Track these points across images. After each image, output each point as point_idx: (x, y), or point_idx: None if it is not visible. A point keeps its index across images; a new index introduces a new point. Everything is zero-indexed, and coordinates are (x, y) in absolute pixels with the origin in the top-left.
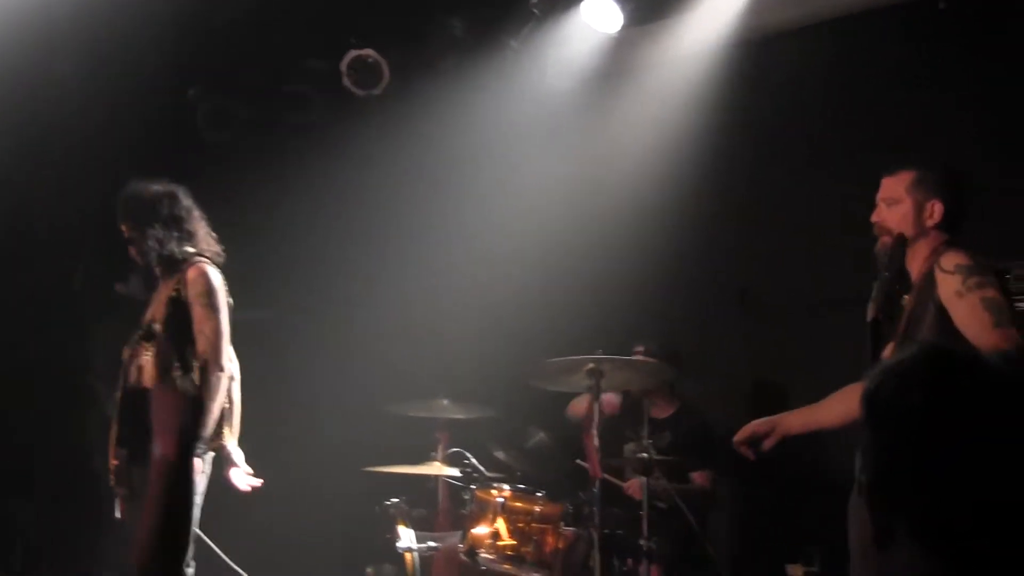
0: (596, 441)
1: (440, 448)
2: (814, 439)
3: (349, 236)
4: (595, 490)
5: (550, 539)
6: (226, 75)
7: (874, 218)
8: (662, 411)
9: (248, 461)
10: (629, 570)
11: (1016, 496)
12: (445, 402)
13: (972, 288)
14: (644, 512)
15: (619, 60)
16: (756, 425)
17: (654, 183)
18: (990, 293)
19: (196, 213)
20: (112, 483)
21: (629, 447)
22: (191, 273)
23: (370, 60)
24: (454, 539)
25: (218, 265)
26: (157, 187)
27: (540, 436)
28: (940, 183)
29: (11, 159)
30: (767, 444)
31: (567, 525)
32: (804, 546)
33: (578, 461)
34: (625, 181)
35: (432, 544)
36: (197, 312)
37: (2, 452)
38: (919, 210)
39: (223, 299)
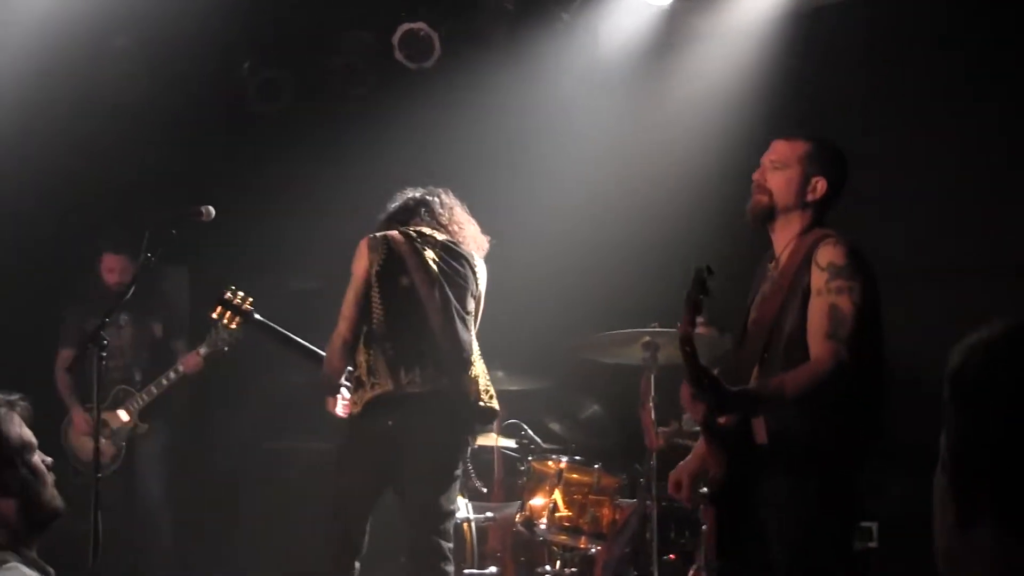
0: (652, 414)
1: (495, 420)
2: None
3: None
4: (652, 462)
5: (606, 511)
6: (277, 48)
7: (756, 176)
8: None
9: (307, 430)
10: (686, 543)
11: None
12: (500, 374)
13: (831, 291)
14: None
15: (670, 32)
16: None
17: (706, 153)
18: (843, 301)
19: None
20: None
21: (686, 418)
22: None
23: (422, 33)
24: (510, 510)
25: None
26: None
27: (594, 408)
28: (830, 162)
29: (69, 132)
30: (685, 495)
31: (623, 497)
32: (862, 521)
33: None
34: (677, 151)
35: (489, 515)
36: None
37: None
38: (804, 182)
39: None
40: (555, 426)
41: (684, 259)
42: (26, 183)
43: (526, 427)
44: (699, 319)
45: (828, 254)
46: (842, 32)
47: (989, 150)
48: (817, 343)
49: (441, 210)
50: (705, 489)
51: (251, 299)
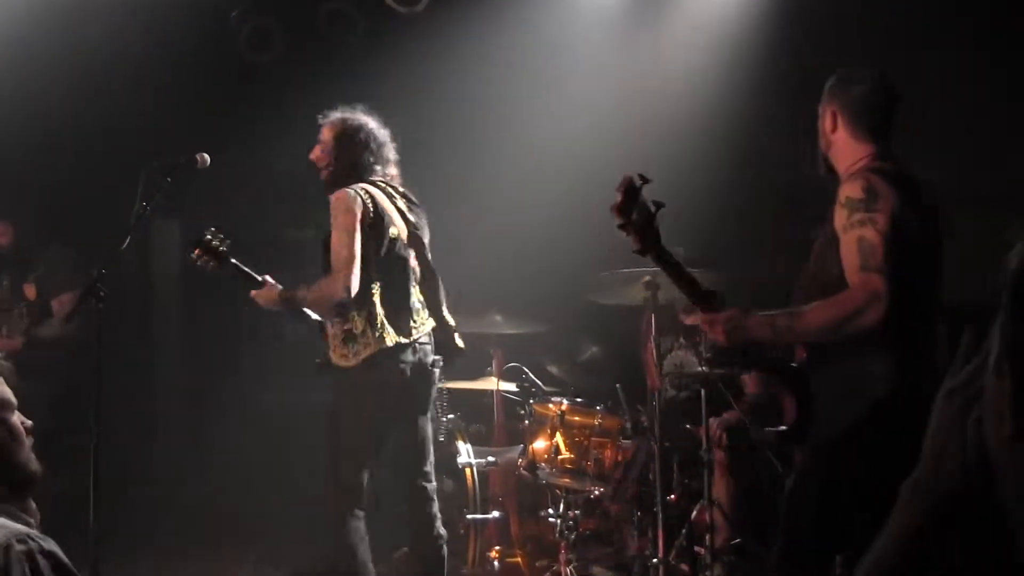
0: (654, 354)
1: (495, 363)
2: None
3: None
4: (654, 403)
5: (609, 452)
6: None
7: None
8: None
9: (302, 370)
10: (689, 482)
11: None
12: (498, 318)
13: (854, 225)
14: (704, 425)
15: None
16: None
17: (698, 95)
18: (868, 232)
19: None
20: None
21: (673, 356)
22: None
23: None
24: (512, 453)
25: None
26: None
27: (592, 350)
28: (832, 89)
29: (57, 82)
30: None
31: (626, 439)
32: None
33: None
34: (672, 89)
35: (491, 459)
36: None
37: None
38: (822, 121)
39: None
40: (554, 369)
41: (682, 199)
42: (16, 134)
43: (527, 371)
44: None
45: (846, 190)
46: None
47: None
48: (852, 278)
49: (389, 156)
50: None
51: (228, 242)
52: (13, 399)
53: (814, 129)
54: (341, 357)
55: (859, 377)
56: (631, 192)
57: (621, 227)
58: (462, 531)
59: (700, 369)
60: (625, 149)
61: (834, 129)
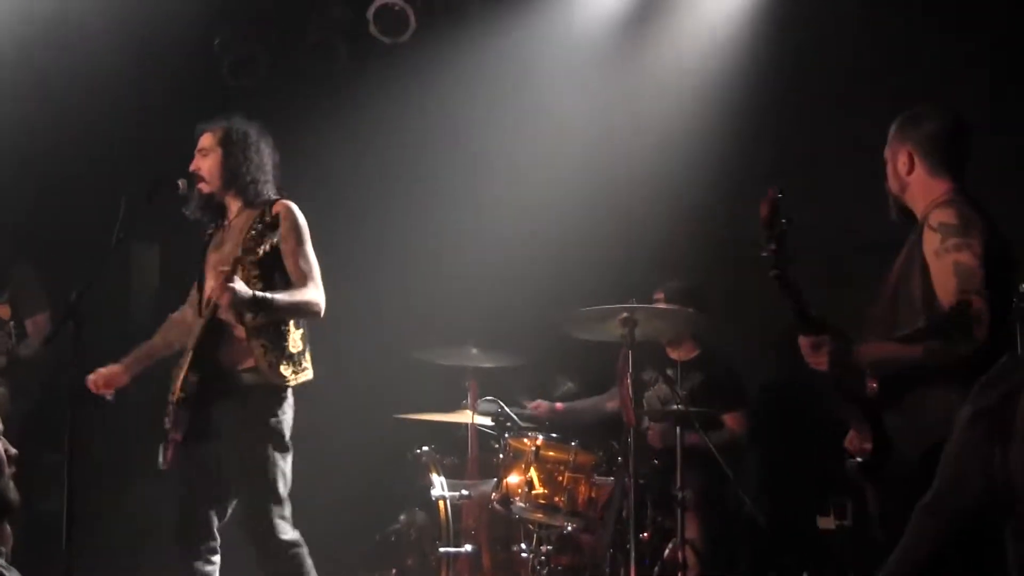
0: (630, 390)
1: (470, 396)
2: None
3: (377, 182)
4: (628, 439)
5: (583, 488)
6: (251, 24)
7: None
8: (686, 353)
9: None
10: (662, 520)
11: None
12: (474, 350)
13: (949, 250)
14: (678, 462)
15: (648, 3)
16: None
17: (682, 128)
18: (965, 257)
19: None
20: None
21: (649, 395)
22: (281, 205)
23: (396, 8)
24: (486, 487)
25: None
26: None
27: (568, 385)
28: (903, 129)
29: (40, 110)
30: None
31: (600, 475)
32: (835, 498)
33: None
34: (654, 125)
35: (464, 492)
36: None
37: None
38: (893, 166)
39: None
40: (529, 403)
41: (660, 235)
42: None
43: (502, 404)
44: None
45: (939, 215)
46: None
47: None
48: (947, 300)
49: None
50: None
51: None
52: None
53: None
54: (280, 375)
55: (942, 405)
56: (774, 206)
57: (767, 241)
58: (434, 564)
59: (676, 406)
60: (606, 184)
61: (910, 170)
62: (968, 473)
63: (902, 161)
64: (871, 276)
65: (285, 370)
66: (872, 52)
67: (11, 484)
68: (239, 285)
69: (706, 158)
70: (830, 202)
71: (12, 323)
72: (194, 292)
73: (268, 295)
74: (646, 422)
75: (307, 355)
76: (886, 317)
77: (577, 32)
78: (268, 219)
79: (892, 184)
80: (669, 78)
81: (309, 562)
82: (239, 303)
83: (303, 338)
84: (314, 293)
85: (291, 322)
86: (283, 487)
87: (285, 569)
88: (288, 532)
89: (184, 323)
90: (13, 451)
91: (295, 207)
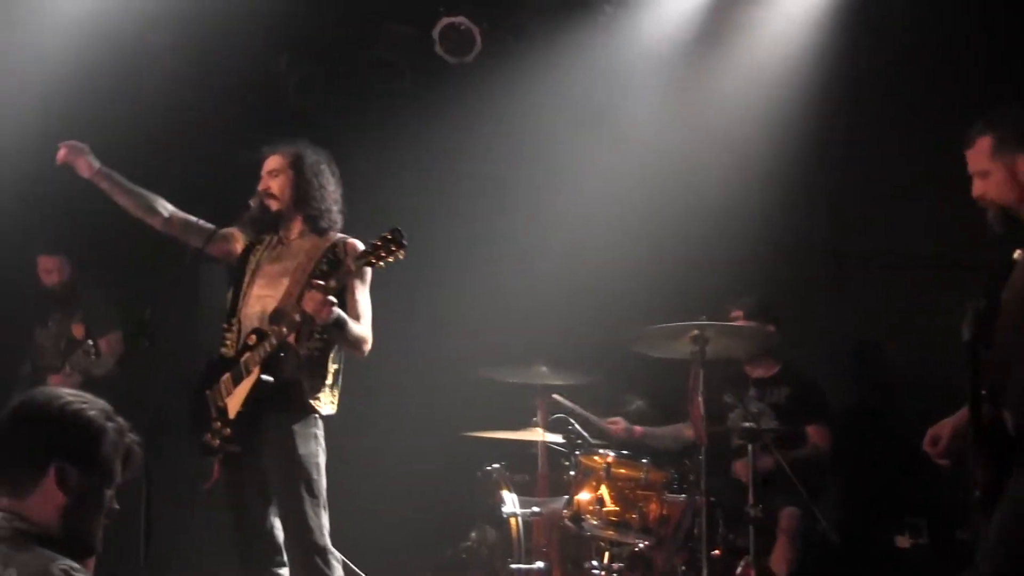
0: (701, 408)
1: (540, 414)
2: (926, 413)
3: (443, 201)
4: (700, 457)
5: (654, 506)
6: (315, 43)
7: (975, 193)
8: (766, 371)
9: (350, 430)
10: (734, 538)
11: None
12: (543, 369)
13: None
14: (750, 480)
15: (715, 22)
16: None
17: (751, 144)
18: None
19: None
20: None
21: (733, 416)
22: (352, 244)
23: (462, 27)
24: (557, 504)
25: None
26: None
27: (638, 403)
28: (1005, 137)
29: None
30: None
31: (671, 492)
32: (911, 517)
33: None
34: (722, 143)
35: (535, 509)
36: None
37: None
38: (1011, 174)
39: None
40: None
41: (730, 250)
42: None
43: (573, 422)
44: (736, 312)
45: None
46: (886, 17)
47: None
48: None
49: None
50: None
51: None
52: (119, 476)
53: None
54: (317, 399)
55: None
56: None
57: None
58: None
59: (748, 424)
60: (675, 201)
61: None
62: None
63: (1021, 168)
64: (941, 292)
65: (323, 396)
66: (949, 64)
67: (100, 534)
68: (317, 296)
69: (774, 173)
70: (901, 219)
71: (90, 342)
72: (229, 294)
73: (346, 317)
74: (733, 444)
75: (337, 390)
76: (1009, 351)
77: (644, 49)
78: (339, 256)
79: (1005, 194)
80: (738, 92)
81: (340, 571)
82: (317, 312)
83: (336, 373)
84: (369, 332)
85: (332, 354)
86: (323, 495)
87: (322, 574)
88: (327, 540)
89: (193, 233)
90: (116, 507)
91: (362, 246)
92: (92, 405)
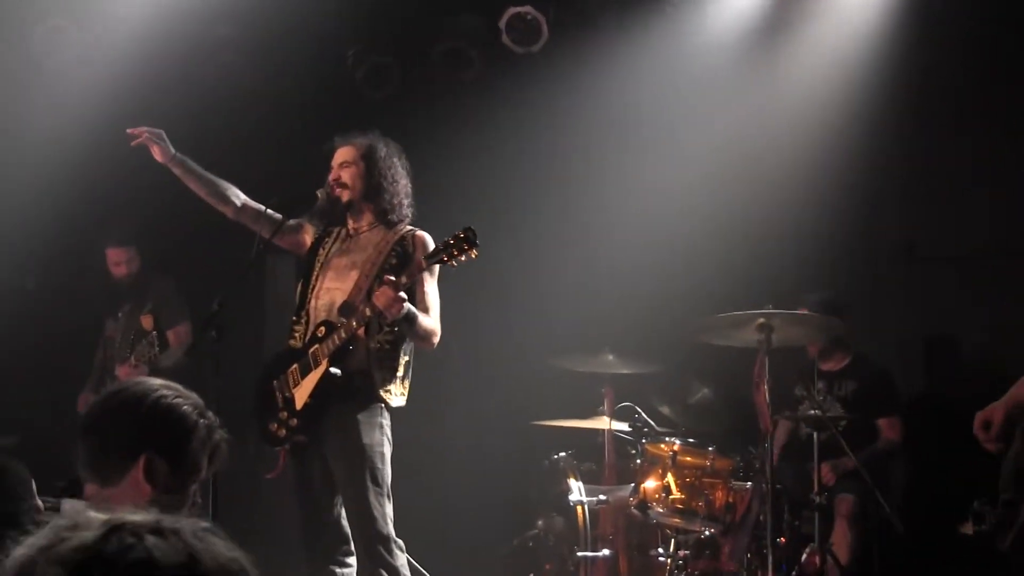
0: (767, 396)
1: (606, 402)
2: (992, 397)
3: (510, 191)
4: (766, 445)
5: (720, 494)
6: (384, 34)
7: None
8: (837, 363)
9: (417, 419)
10: (800, 525)
11: None
12: (610, 357)
13: None
14: (815, 470)
15: (781, 13)
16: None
17: (819, 136)
18: None
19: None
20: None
21: (803, 408)
22: (420, 237)
23: (529, 17)
24: (623, 492)
25: None
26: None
27: (704, 391)
28: None
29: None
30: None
31: (737, 480)
32: (975, 504)
33: None
34: (789, 134)
35: (602, 497)
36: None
37: None
38: None
39: None
40: (665, 409)
41: (797, 241)
42: (136, 177)
43: (639, 410)
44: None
45: None
46: (956, 7)
47: None
48: None
49: None
50: None
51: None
52: (204, 472)
53: None
54: (387, 391)
55: None
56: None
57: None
58: (572, 568)
59: (813, 412)
60: (740, 191)
61: None
62: None
63: None
64: (1010, 283)
65: (393, 388)
66: (1019, 53)
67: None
68: (388, 291)
69: (843, 164)
70: (970, 211)
71: (155, 333)
72: (298, 287)
73: (416, 311)
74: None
75: (407, 382)
76: None
77: (712, 37)
78: (408, 250)
79: None
80: (806, 84)
81: (404, 559)
82: (388, 308)
83: (407, 365)
84: (438, 324)
85: (403, 346)
86: (387, 485)
87: (386, 563)
88: (391, 529)
89: (264, 223)
90: (198, 500)
91: (431, 240)
92: (186, 400)
